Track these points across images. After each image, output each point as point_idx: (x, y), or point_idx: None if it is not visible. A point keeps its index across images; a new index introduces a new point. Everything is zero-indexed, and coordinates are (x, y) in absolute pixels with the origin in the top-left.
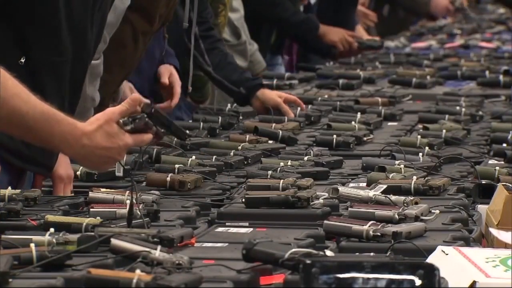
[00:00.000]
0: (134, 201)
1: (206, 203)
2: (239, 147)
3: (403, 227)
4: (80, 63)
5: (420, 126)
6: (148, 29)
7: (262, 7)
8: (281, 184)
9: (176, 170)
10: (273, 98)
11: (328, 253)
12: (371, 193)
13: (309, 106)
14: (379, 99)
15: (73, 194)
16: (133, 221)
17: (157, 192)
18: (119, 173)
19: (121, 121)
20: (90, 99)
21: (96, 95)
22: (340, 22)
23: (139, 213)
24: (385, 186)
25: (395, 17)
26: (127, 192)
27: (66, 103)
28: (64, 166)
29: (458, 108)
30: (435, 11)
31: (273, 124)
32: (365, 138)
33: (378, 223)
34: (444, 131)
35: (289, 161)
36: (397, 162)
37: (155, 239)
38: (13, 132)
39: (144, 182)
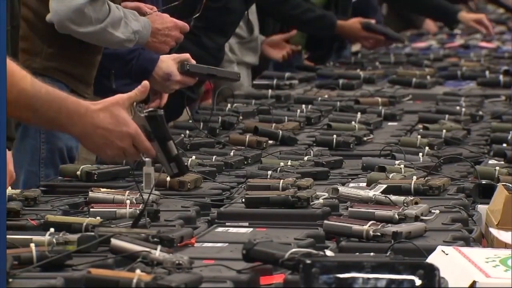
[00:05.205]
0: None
1: (206, 203)
2: None
3: (403, 227)
4: None
5: (420, 126)
6: None
7: (269, 5)
8: (281, 184)
9: None
10: None
11: (328, 253)
12: (371, 193)
13: (309, 106)
14: (379, 99)
15: None
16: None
17: (157, 192)
18: (148, 188)
19: (135, 103)
20: None
21: None
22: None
23: (146, 216)
24: (385, 186)
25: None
26: (127, 192)
27: None
28: (10, 166)
29: (458, 108)
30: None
31: (273, 124)
32: (365, 138)
33: (378, 223)
34: (444, 131)
35: (289, 161)
36: (397, 162)
37: (155, 239)
38: (20, 115)
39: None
